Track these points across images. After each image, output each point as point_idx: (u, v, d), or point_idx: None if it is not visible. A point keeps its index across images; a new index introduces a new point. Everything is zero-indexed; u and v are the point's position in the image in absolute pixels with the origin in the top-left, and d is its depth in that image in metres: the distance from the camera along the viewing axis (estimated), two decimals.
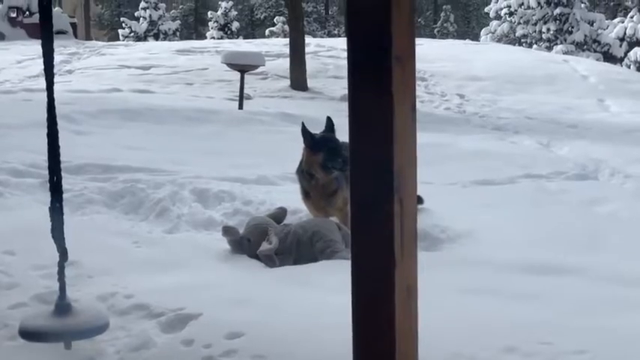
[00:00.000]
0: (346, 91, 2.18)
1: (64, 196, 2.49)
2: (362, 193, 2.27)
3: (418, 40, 20.47)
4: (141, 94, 12.53)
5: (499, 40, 34.44)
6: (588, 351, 3.52)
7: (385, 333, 2.29)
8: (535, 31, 35.90)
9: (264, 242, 5.04)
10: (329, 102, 12.84)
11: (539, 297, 4.26)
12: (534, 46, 34.15)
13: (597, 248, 5.28)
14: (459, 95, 14.39)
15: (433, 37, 40.00)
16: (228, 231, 5.20)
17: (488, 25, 39.02)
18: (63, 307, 2.44)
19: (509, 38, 36.02)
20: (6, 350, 3.81)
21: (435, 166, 7.65)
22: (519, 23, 36.44)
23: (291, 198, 6.29)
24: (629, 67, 31.43)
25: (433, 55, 16.86)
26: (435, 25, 51.59)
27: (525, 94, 14.44)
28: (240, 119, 10.21)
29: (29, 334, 2.45)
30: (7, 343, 3.84)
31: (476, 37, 38.64)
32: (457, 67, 16.49)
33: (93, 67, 15.68)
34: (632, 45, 34.12)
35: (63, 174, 2.50)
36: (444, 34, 45.47)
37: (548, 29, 35.29)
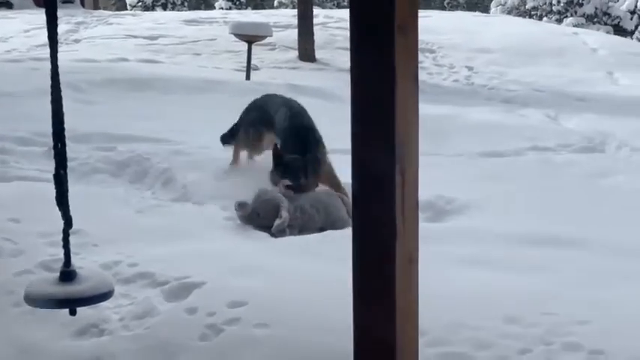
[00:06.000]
0: None
1: (69, 164, 2.48)
2: (364, 163, 2.27)
3: (427, 12, 20.39)
4: (148, 64, 12.49)
5: (509, 13, 34.22)
6: (591, 322, 3.54)
7: (386, 303, 2.30)
8: (545, 3, 35.61)
9: (276, 219, 5.12)
10: (337, 73, 12.78)
11: (543, 268, 4.27)
12: (544, 18, 33.91)
13: (600, 221, 5.28)
14: (468, 67, 14.30)
15: (443, 8, 39.75)
16: (242, 206, 5.26)
17: None
18: (68, 273, 2.44)
19: (520, 10, 35.75)
20: (12, 316, 3.84)
21: (441, 138, 7.64)
22: None
23: None
24: (639, 40, 31.19)
25: (442, 27, 16.72)
26: None
27: (534, 66, 14.34)
28: (247, 90, 10.14)
29: (34, 301, 2.45)
30: (13, 310, 3.87)
31: (486, 10, 38.35)
32: (466, 39, 16.37)
33: (100, 37, 15.59)
34: None
35: (68, 142, 2.48)
36: (454, 6, 45.14)
37: (559, 1, 35.02)
